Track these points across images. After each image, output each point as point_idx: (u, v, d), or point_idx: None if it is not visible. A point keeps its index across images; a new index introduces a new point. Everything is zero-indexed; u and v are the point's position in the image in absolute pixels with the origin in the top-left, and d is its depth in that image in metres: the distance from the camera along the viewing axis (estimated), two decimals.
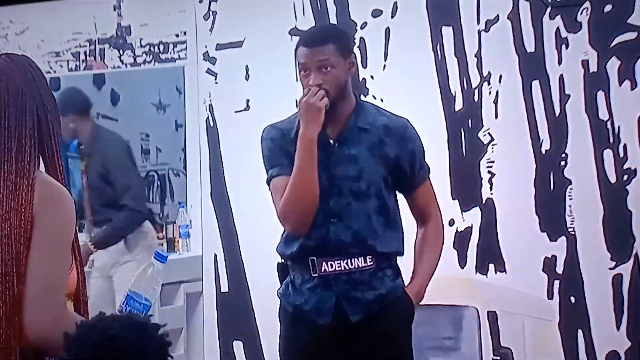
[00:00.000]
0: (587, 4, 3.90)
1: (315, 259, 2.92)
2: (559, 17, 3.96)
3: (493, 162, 4.06)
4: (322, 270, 2.92)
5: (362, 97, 4.25)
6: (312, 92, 2.87)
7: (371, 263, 2.91)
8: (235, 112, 4.56)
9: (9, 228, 1.88)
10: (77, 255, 1.97)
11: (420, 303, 3.05)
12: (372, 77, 4.28)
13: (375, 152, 2.93)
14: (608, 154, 3.88)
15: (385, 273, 2.95)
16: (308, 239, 2.93)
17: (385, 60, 4.24)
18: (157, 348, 1.60)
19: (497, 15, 4.05)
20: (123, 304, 1.98)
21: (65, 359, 1.61)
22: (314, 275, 2.93)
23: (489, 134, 4.07)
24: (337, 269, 2.91)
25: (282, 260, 3.08)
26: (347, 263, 2.91)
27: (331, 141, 2.94)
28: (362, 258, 2.91)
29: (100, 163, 4.61)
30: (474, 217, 4.07)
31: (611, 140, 3.88)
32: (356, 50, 4.29)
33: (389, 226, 2.95)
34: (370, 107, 3.09)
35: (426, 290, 3.04)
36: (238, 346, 4.54)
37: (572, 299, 3.92)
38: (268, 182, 3.06)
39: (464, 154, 4.11)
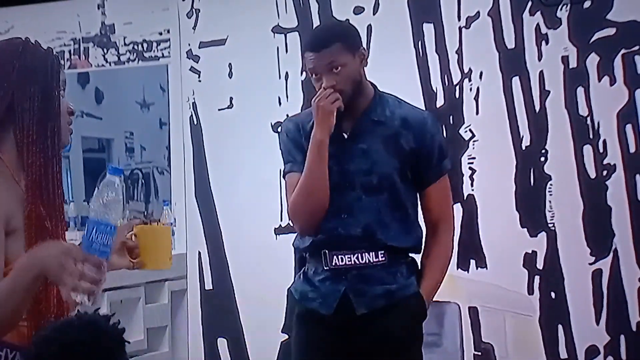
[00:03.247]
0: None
1: (327, 251, 2.91)
2: (539, 13, 3.97)
3: (474, 158, 4.07)
4: (333, 264, 2.90)
5: None
6: (324, 95, 2.83)
7: (383, 258, 2.88)
8: (219, 109, 4.57)
9: None
10: (27, 244, 1.97)
11: None
12: None
13: (389, 145, 2.89)
14: (588, 150, 3.90)
15: (399, 269, 2.91)
16: (319, 233, 2.93)
17: (367, 57, 4.25)
18: (113, 338, 1.66)
19: (478, 12, 4.07)
20: (86, 234, 1.87)
21: None
22: (325, 268, 2.92)
23: (470, 130, 4.08)
24: (347, 262, 2.89)
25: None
26: (357, 257, 2.89)
27: (345, 135, 2.91)
28: (373, 253, 2.88)
29: None
30: (455, 213, 4.06)
31: (591, 136, 3.90)
32: None
33: (403, 221, 2.91)
34: (390, 98, 3.01)
35: (434, 295, 2.99)
36: (222, 343, 4.55)
37: (553, 294, 3.93)
38: (283, 176, 3.07)
39: None
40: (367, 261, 2.89)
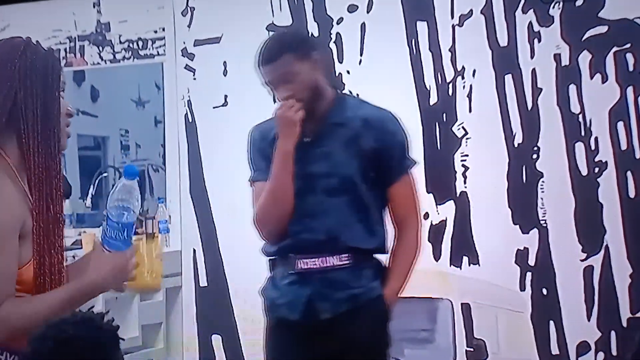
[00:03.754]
0: None
1: (292, 255, 2.92)
2: (531, 11, 3.99)
3: (467, 155, 4.09)
4: (298, 268, 2.91)
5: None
6: (286, 106, 2.86)
7: (347, 261, 2.89)
8: (214, 107, 4.59)
9: None
10: (37, 247, 1.98)
11: None
12: (348, 72, 4.31)
13: (350, 147, 2.89)
14: (579, 147, 3.92)
15: (363, 272, 2.91)
16: (285, 237, 2.93)
17: (361, 55, 4.28)
18: (109, 334, 1.68)
19: (471, 10, 4.09)
20: (105, 227, 2.04)
21: None
22: (291, 272, 2.93)
23: (463, 127, 4.10)
24: (312, 266, 2.89)
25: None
26: (321, 261, 2.89)
27: (306, 139, 2.91)
28: (337, 256, 2.88)
29: None
30: (448, 210, 4.10)
31: (582, 133, 3.92)
32: (332, 46, 4.34)
33: (367, 222, 2.91)
34: (351, 100, 3.04)
35: (399, 295, 2.98)
36: (217, 340, 4.57)
37: (544, 291, 3.95)
38: (250, 184, 3.07)
39: (439, 147, 4.14)
40: (332, 264, 2.88)
